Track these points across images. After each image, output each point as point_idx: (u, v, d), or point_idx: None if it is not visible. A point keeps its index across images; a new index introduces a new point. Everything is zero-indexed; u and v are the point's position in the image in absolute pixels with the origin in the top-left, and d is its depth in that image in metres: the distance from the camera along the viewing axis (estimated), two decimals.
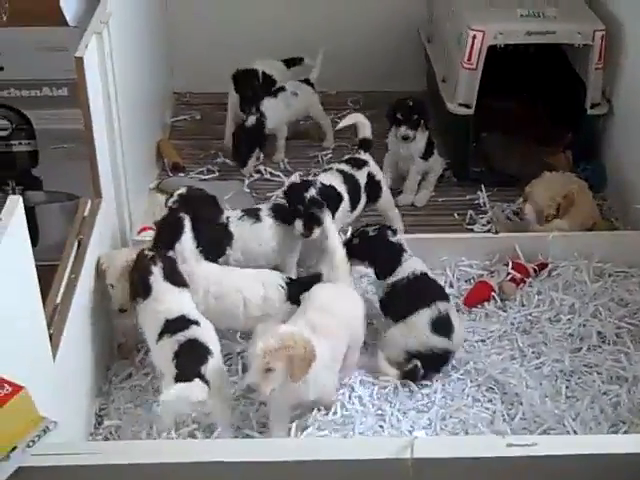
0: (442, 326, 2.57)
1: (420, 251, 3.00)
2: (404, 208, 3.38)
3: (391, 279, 2.64)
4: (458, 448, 1.56)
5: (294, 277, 2.76)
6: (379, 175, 3.13)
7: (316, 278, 2.64)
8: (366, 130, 3.13)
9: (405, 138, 3.29)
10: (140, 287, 2.41)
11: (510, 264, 2.97)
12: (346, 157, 3.16)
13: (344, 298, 2.53)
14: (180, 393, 2.13)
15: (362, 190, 3.04)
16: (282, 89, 3.62)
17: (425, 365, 2.57)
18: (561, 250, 3.02)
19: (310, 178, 3.06)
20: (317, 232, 2.77)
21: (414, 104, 3.29)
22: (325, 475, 1.59)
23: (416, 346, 2.56)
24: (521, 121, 3.72)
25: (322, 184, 2.84)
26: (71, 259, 2.42)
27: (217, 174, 3.60)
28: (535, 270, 2.99)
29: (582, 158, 3.50)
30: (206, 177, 3.56)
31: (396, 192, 3.43)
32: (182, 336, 2.29)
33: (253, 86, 3.58)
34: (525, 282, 2.96)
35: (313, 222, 2.76)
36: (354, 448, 1.59)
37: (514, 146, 3.57)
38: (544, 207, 3.12)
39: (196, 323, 2.35)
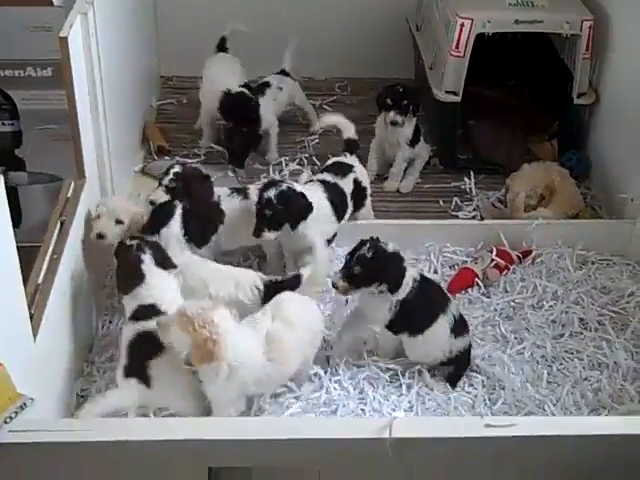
0: (460, 327, 2.53)
1: (405, 237, 3.03)
2: (389, 194, 3.39)
3: (400, 294, 2.45)
4: (437, 428, 1.57)
5: (274, 278, 2.61)
6: (365, 181, 3.01)
7: (296, 280, 2.55)
8: (349, 131, 3.04)
9: (394, 123, 3.29)
10: (132, 276, 2.34)
11: (494, 251, 2.98)
12: (330, 161, 3.03)
13: (312, 316, 2.41)
14: (102, 409, 2.07)
15: (348, 199, 2.92)
16: (267, 85, 3.59)
17: (456, 365, 2.56)
18: (545, 238, 3.04)
19: (288, 181, 2.85)
20: (269, 235, 2.65)
21: (404, 90, 3.29)
22: (306, 454, 1.60)
23: (441, 357, 2.53)
24: (508, 109, 3.72)
25: (289, 188, 2.68)
26: (53, 239, 2.41)
27: (203, 157, 3.59)
28: (519, 257, 3.00)
29: (568, 147, 3.51)
30: (192, 161, 3.54)
31: (382, 178, 3.44)
32: (141, 326, 2.25)
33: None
34: (509, 269, 2.97)
35: (263, 224, 2.64)
36: (334, 428, 1.60)
37: (500, 134, 3.58)
38: (526, 202, 3.13)
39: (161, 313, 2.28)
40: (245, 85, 3.55)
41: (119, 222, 2.61)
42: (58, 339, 2.32)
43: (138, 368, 2.17)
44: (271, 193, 2.64)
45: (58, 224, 2.47)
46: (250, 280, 2.52)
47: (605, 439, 1.62)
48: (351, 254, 2.43)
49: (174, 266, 2.42)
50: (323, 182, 2.87)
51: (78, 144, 2.60)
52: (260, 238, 2.68)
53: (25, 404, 1.52)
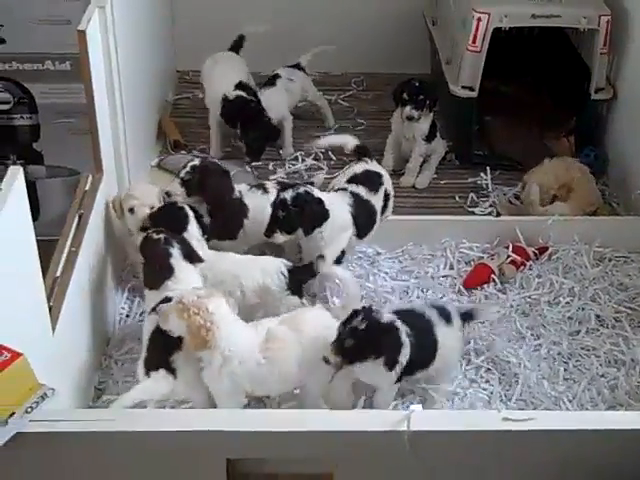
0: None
1: (421, 233, 3.04)
2: (406, 190, 3.38)
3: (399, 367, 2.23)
4: (454, 421, 1.56)
5: (299, 263, 2.64)
6: (390, 187, 2.90)
7: (311, 267, 2.53)
8: (350, 141, 2.93)
9: (410, 118, 3.28)
10: (162, 270, 2.34)
11: (510, 247, 2.97)
12: (360, 169, 2.84)
13: (327, 333, 2.24)
14: (141, 395, 2.05)
15: (378, 216, 2.80)
16: (278, 76, 3.58)
17: None
18: (562, 234, 3.02)
19: (310, 186, 2.72)
20: (279, 237, 2.61)
21: (421, 85, 3.28)
22: (323, 446, 1.60)
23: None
24: (524, 105, 3.71)
25: (306, 192, 2.61)
26: (72, 233, 2.42)
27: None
28: (535, 253, 2.99)
29: (585, 143, 3.49)
30: (208, 155, 3.55)
31: (398, 174, 3.43)
32: None
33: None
34: (525, 265, 2.96)
35: (275, 225, 2.60)
36: (351, 420, 1.60)
37: (517, 130, 3.57)
38: (541, 195, 3.12)
39: None
40: (242, 86, 3.45)
41: (153, 208, 2.62)
42: (76, 332, 2.34)
43: (163, 359, 2.16)
44: (287, 195, 2.60)
45: (76, 217, 2.48)
46: (275, 266, 2.53)
47: (622, 434, 1.61)
48: (344, 324, 2.17)
49: (201, 260, 2.43)
50: (354, 195, 2.75)
51: (96, 138, 2.60)
52: (270, 239, 2.64)
53: (46, 394, 1.54)
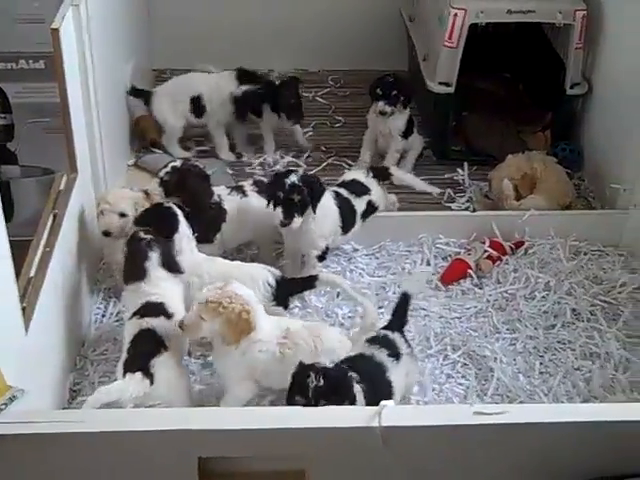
0: None
1: (398, 229, 3.05)
2: (383, 184, 3.37)
3: None
4: (425, 416, 1.57)
5: (288, 275, 2.66)
6: (379, 202, 2.98)
7: (312, 280, 2.58)
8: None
9: (382, 113, 3.29)
10: (135, 271, 2.35)
11: (487, 242, 2.98)
12: (349, 177, 2.99)
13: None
14: (109, 395, 2.04)
15: (358, 217, 2.90)
16: None
17: None
18: (537, 229, 3.05)
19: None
20: (298, 221, 2.63)
21: (395, 80, 3.29)
22: (295, 443, 1.60)
23: None
24: (501, 101, 3.73)
25: (306, 174, 2.74)
26: (46, 233, 2.41)
27: (193, 152, 3.57)
28: (512, 248, 3.01)
29: (561, 138, 3.51)
30: (185, 155, 3.54)
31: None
32: (146, 322, 2.25)
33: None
34: (501, 260, 2.98)
35: (293, 209, 2.62)
36: (324, 417, 1.60)
37: (494, 125, 3.58)
38: (507, 194, 3.13)
39: (168, 316, 2.29)
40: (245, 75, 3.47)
41: (123, 215, 2.61)
42: (50, 333, 2.33)
43: (142, 363, 2.16)
44: (294, 178, 2.63)
45: (51, 217, 2.46)
46: (263, 276, 2.53)
47: (594, 426, 1.63)
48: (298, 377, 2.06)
49: (180, 271, 2.41)
50: (336, 193, 2.86)
51: (70, 137, 2.59)
52: (290, 226, 2.63)
53: (15, 396, 1.53)
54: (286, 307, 2.56)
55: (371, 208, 2.95)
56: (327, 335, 2.33)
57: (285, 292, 2.52)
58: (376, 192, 2.97)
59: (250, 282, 2.45)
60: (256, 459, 1.60)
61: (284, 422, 1.57)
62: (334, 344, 2.31)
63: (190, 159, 3.26)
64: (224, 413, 1.62)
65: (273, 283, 2.51)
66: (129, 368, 2.14)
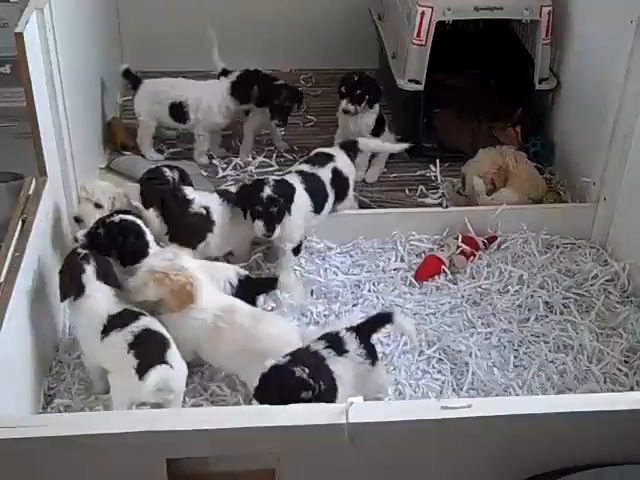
0: None
1: (371, 227, 3.06)
2: (356, 184, 3.37)
3: None
4: (393, 412, 1.57)
5: (252, 275, 2.69)
6: (347, 171, 3.01)
7: (272, 281, 2.61)
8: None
9: (345, 112, 3.30)
10: (72, 285, 2.35)
11: (460, 238, 3.00)
12: (313, 153, 3.05)
13: (281, 340, 2.34)
14: (163, 375, 2.12)
15: (328, 188, 2.92)
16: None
17: None
18: (510, 223, 3.07)
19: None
20: (278, 231, 2.73)
21: (359, 79, 3.29)
22: (264, 441, 1.60)
23: None
24: (471, 97, 3.75)
25: (274, 180, 2.76)
26: (15, 238, 2.39)
27: (166, 154, 3.56)
28: (485, 243, 3.03)
29: (531, 133, 3.53)
30: (157, 157, 3.52)
31: None
32: (135, 327, 2.26)
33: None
34: (475, 255, 3.00)
35: (274, 221, 2.70)
36: (292, 414, 1.60)
37: (465, 122, 3.60)
38: (474, 186, 3.15)
39: (143, 314, 2.31)
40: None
41: (98, 206, 2.60)
42: (21, 337, 2.30)
43: (155, 362, 2.18)
44: (268, 191, 2.69)
45: (20, 222, 2.44)
46: (224, 275, 2.55)
47: (559, 417, 1.64)
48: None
49: (118, 285, 2.40)
50: (300, 172, 2.89)
51: (38, 142, 2.57)
52: (272, 237, 2.72)
53: None
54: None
55: (339, 177, 2.96)
56: (271, 322, 2.39)
57: (247, 291, 2.54)
58: (342, 160, 2.99)
59: (211, 278, 2.48)
60: (225, 459, 1.59)
61: (252, 421, 1.57)
62: (277, 333, 2.35)
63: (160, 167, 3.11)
64: (191, 413, 1.61)
65: (235, 282, 2.54)
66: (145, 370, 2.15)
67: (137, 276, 2.34)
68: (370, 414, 1.56)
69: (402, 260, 3.00)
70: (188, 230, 2.73)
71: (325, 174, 2.93)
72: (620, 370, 2.59)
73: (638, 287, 2.88)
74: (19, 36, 2.42)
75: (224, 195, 2.84)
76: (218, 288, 2.50)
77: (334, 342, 2.25)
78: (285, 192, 2.75)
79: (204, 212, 2.75)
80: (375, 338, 2.61)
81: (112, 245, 2.44)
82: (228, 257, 2.90)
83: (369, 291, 2.87)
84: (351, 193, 3.07)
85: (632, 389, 2.50)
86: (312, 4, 3.99)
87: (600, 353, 2.65)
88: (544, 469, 1.64)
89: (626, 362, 2.62)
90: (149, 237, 2.49)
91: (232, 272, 2.57)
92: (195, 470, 1.57)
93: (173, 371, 2.18)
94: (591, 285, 2.91)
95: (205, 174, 3.45)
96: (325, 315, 2.77)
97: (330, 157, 2.99)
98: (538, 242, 3.04)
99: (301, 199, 2.82)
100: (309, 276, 2.89)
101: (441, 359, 2.63)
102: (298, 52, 3.72)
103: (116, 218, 2.47)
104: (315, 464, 1.62)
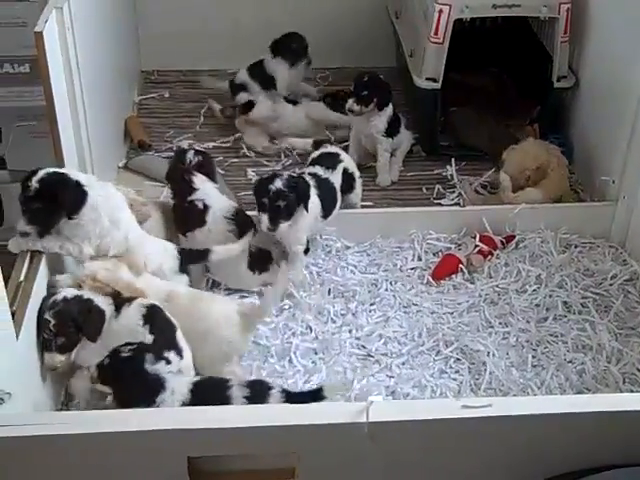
0: None
1: (388, 225, 3.05)
2: (373, 182, 3.38)
3: None
4: (413, 411, 1.57)
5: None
6: (352, 167, 3.03)
7: (205, 253, 2.62)
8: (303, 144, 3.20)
9: (350, 110, 3.28)
10: None
11: (477, 237, 2.98)
12: (317, 153, 3.03)
13: (216, 318, 2.40)
14: None
15: (338, 194, 2.92)
16: None
17: None
18: (528, 222, 3.04)
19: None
20: (284, 226, 2.67)
21: (368, 80, 3.26)
22: (284, 440, 1.60)
23: None
24: (489, 95, 3.73)
25: (289, 175, 2.72)
26: None
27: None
28: (502, 242, 3.01)
29: (550, 131, 3.51)
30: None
31: (362, 167, 3.41)
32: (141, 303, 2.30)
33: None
34: (492, 254, 2.98)
35: (280, 216, 2.66)
36: (311, 413, 1.60)
37: (482, 120, 3.57)
38: (516, 175, 3.13)
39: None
40: None
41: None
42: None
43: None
44: (279, 184, 2.64)
45: None
46: (172, 249, 2.60)
47: (580, 417, 1.63)
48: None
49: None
50: (314, 176, 2.87)
51: (57, 141, 2.58)
52: (276, 231, 2.68)
53: (2, 399, 1.53)
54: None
55: (348, 177, 2.98)
56: (210, 301, 2.44)
57: (186, 262, 2.60)
58: (345, 156, 3.03)
59: (165, 254, 2.56)
60: (246, 458, 1.60)
61: (273, 420, 1.57)
62: (216, 310, 2.40)
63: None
64: (212, 412, 1.62)
65: (178, 256, 2.59)
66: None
67: (72, 275, 2.36)
68: (390, 413, 1.56)
69: (419, 259, 2.99)
70: (180, 215, 2.76)
71: (337, 179, 2.93)
72: (639, 370, 2.57)
73: None
74: (39, 35, 2.44)
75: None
76: (169, 264, 2.55)
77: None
78: (299, 188, 2.70)
79: (201, 206, 2.74)
80: (392, 336, 2.65)
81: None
82: None
83: (386, 290, 2.87)
84: (358, 187, 3.08)
85: None
86: (328, 2, 3.98)
87: (619, 353, 2.63)
88: (563, 470, 1.63)
89: None
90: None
91: (173, 247, 2.61)
92: (216, 468, 1.58)
93: None
94: (610, 285, 2.88)
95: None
96: (342, 314, 2.77)
97: (337, 156, 2.99)
98: (556, 241, 3.02)
99: (314, 204, 2.79)
100: (326, 275, 2.89)
101: (459, 359, 2.62)
102: (315, 50, 3.70)
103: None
104: (335, 463, 1.62)
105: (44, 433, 1.50)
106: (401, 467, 1.64)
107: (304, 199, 2.71)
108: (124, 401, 1.89)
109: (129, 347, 2.04)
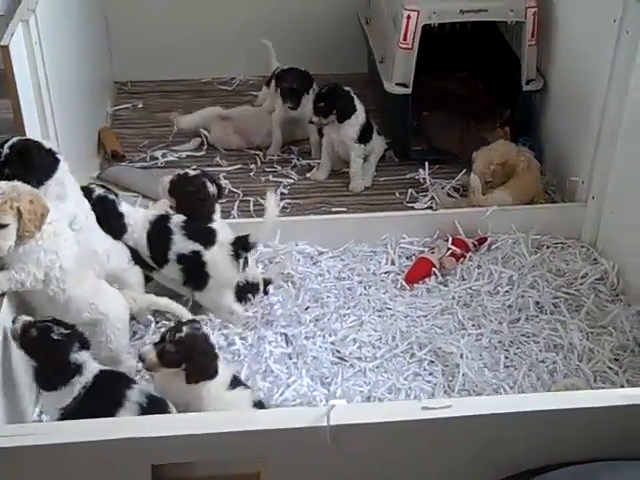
0: None
1: (361, 230, 3.06)
2: (346, 188, 3.40)
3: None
4: (374, 413, 1.58)
5: None
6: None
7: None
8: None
9: (310, 122, 3.36)
10: None
11: (450, 240, 3.01)
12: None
13: (107, 300, 2.44)
14: None
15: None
16: None
17: None
18: (500, 224, 3.07)
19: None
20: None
21: (326, 92, 3.29)
22: (248, 445, 1.61)
23: None
24: (459, 99, 3.77)
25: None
26: None
27: (160, 162, 3.58)
28: (475, 245, 3.04)
29: (520, 133, 3.54)
30: (149, 165, 3.54)
31: (335, 173, 3.44)
32: None
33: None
34: (465, 257, 3.00)
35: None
36: (275, 418, 1.61)
37: (453, 124, 3.61)
38: (483, 171, 3.17)
39: None
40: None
41: None
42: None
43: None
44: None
45: None
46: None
47: (538, 415, 1.64)
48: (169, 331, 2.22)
49: None
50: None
51: None
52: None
53: None
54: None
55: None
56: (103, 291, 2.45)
57: None
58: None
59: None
60: (210, 464, 1.60)
61: (236, 426, 1.58)
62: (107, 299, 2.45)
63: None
64: (176, 419, 1.63)
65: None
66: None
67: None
68: (351, 416, 1.57)
69: (393, 263, 3.01)
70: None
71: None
72: (610, 368, 2.59)
73: (627, 285, 2.88)
74: (5, 49, 2.44)
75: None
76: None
77: None
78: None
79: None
80: (367, 341, 2.67)
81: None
82: None
83: (360, 294, 2.88)
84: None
85: (622, 387, 2.51)
86: (299, 9, 4.00)
87: (590, 352, 2.65)
88: (525, 467, 1.64)
89: (616, 360, 2.62)
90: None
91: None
92: (180, 475, 1.58)
93: None
94: (581, 284, 2.91)
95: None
96: (317, 319, 2.77)
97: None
98: (528, 242, 3.05)
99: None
100: (300, 280, 2.89)
101: (432, 361, 2.63)
102: (286, 57, 3.72)
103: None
104: (299, 466, 1.62)
105: (8, 445, 1.50)
106: (364, 469, 1.65)
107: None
108: None
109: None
